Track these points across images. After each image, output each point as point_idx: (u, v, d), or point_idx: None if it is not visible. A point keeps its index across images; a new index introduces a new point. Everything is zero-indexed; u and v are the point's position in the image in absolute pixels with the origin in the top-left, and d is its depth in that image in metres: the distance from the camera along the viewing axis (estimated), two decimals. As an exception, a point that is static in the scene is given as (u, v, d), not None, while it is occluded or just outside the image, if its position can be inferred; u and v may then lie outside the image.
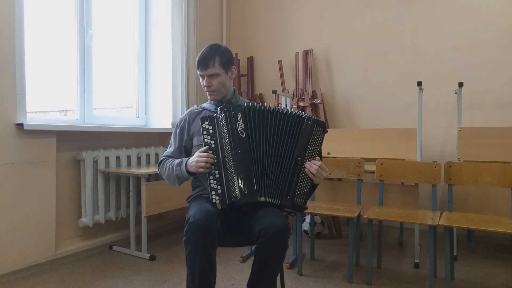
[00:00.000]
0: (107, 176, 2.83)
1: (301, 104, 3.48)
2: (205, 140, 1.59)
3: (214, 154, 1.57)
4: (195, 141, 1.76)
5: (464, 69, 3.08)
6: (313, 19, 3.70)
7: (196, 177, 1.81)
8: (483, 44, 3.02)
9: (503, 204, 2.56)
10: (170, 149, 1.83)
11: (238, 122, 1.60)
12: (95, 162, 2.75)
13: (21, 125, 2.29)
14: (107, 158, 2.83)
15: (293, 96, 3.59)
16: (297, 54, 3.65)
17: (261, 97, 3.94)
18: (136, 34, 3.36)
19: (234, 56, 4.00)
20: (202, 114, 1.76)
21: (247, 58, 4.02)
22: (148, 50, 3.42)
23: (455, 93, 2.89)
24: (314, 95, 3.52)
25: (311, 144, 1.62)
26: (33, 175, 2.39)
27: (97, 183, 2.76)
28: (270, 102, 3.79)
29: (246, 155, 1.57)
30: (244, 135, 1.59)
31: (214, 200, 1.54)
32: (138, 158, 3.07)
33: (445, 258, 2.06)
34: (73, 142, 2.71)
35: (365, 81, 3.47)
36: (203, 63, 1.70)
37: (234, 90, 1.85)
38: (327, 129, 1.69)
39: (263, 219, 1.53)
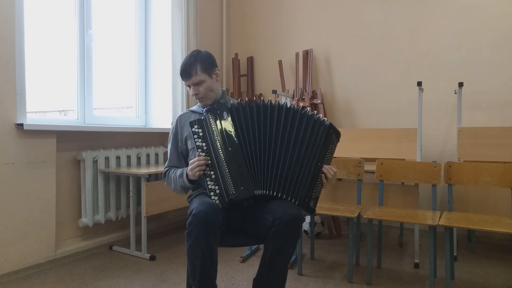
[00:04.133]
0: (107, 176, 2.83)
1: (301, 104, 3.48)
2: (197, 143, 1.60)
3: (208, 156, 1.58)
4: (189, 145, 1.79)
5: (464, 69, 3.08)
6: (313, 19, 3.70)
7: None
8: (483, 44, 3.02)
9: (503, 204, 2.56)
10: (169, 159, 1.86)
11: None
12: (95, 162, 2.75)
13: (21, 125, 2.29)
14: (107, 158, 2.83)
15: (293, 96, 3.59)
16: (297, 54, 3.65)
17: (261, 97, 3.94)
18: (136, 34, 3.36)
19: (234, 56, 4.00)
20: (192, 118, 1.78)
21: (247, 58, 4.02)
22: (148, 50, 3.42)
23: (455, 93, 2.89)
24: (314, 95, 3.52)
25: (329, 152, 1.66)
26: (33, 175, 2.39)
27: (97, 183, 2.76)
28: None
29: (237, 152, 1.58)
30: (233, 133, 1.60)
31: (214, 200, 1.55)
32: (138, 158, 3.07)
33: (445, 258, 2.06)
34: (73, 142, 2.71)
35: (365, 81, 3.47)
36: (186, 72, 1.73)
37: (223, 91, 1.88)
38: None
39: (276, 209, 1.54)
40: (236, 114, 1.62)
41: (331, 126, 1.63)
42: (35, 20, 2.58)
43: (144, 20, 3.40)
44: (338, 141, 1.70)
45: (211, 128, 1.59)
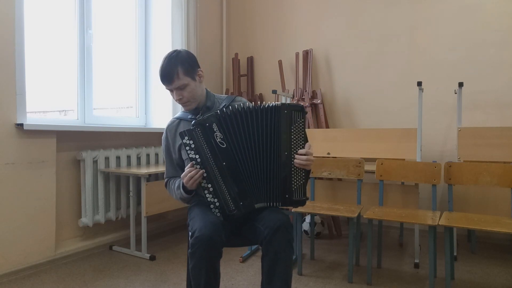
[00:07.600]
0: (107, 176, 2.83)
1: (301, 104, 3.47)
2: (190, 155, 1.54)
3: (202, 168, 1.53)
4: (184, 155, 1.73)
5: (464, 69, 3.08)
6: (313, 19, 3.71)
7: None
8: (483, 44, 3.02)
9: (503, 204, 2.56)
10: (166, 170, 1.82)
11: (215, 133, 1.53)
12: (95, 162, 2.75)
13: (21, 125, 2.29)
14: (107, 158, 2.83)
15: (293, 96, 3.59)
16: (297, 54, 3.65)
17: (261, 97, 3.94)
18: (136, 34, 3.36)
19: (234, 56, 4.00)
20: (180, 126, 1.74)
21: (247, 58, 4.02)
22: (148, 50, 3.42)
23: (455, 93, 2.89)
24: (314, 95, 3.52)
25: (294, 133, 1.54)
26: (33, 175, 2.39)
27: (97, 183, 2.76)
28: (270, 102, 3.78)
29: (233, 166, 1.54)
30: (224, 145, 1.53)
31: (214, 212, 1.55)
32: (138, 158, 3.07)
33: (445, 258, 2.06)
34: (73, 142, 2.71)
35: (365, 81, 3.47)
36: (166, 78, 1.61)
37: (207, 91, 1.77)
38: (306, 112, 1.62)
39: (266, 218, 1.53)
40: (225, 125, 1.54)
41: (283, 106, 1.53)
42: (35, 20, 2.58)
43: (144, 20, 3.40)
44: (305, 113, 1.56)
45: (202, 142, 1.53)
